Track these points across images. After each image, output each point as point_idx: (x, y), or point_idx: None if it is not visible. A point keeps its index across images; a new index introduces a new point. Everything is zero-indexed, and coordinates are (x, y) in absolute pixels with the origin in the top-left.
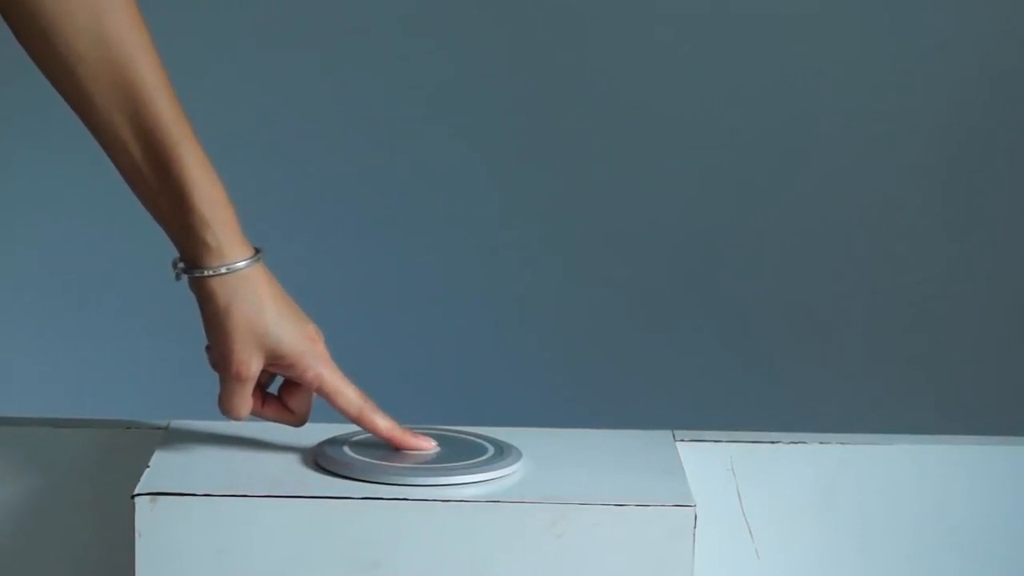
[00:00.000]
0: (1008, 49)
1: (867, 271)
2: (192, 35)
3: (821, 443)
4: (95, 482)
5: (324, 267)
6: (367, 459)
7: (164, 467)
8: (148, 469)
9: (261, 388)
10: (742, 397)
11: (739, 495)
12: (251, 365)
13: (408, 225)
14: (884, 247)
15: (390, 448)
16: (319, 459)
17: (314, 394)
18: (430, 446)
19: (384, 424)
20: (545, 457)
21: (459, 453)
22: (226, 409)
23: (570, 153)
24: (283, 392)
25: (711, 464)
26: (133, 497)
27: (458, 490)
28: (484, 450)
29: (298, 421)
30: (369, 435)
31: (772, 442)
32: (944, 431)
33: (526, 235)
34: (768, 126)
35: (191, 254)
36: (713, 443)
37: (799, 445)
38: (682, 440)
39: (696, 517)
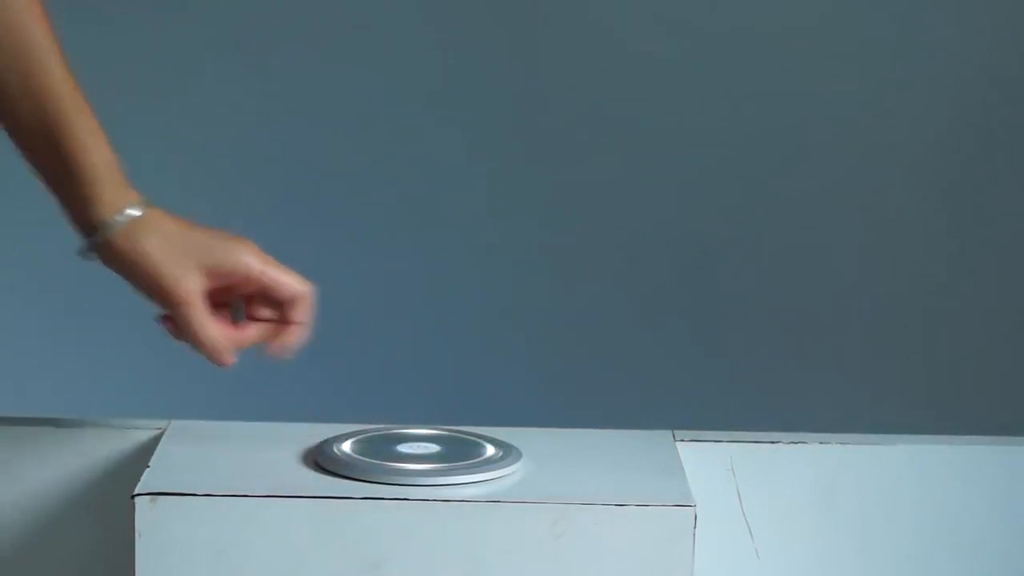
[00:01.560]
0: (1010, 50)
1: (867, 272)
2: (183, 32)
3: (821, 443)
4: (95, 482)
5: (324, 266)
6: (367, 459)
7: (164, 467)
8: (148, 469)
9: (233, 320)
10: (742, 397)
11: (739, 495)
12: (187, 282)
13: (408, 226)
14: (884, 248)
15: (390, 448)
16: (319, 459)
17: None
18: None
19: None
20: (545, 457)
21: (459, 453)
22: (197, 343)
23: (571, 153)
24: (249, 309)
25: (711, 464)
26: (133, 497)
27: (458, 490)
28: (484, 450)
29: (285, 331)
30: (369, 435)
31: (772, 442)
32: (944, 431)
33: (526, 235)
34: (768, 127)
35: (88, 217)
36: (713, 443)
37: (799, 445)
38: (682, 440)
39: (696, 517)
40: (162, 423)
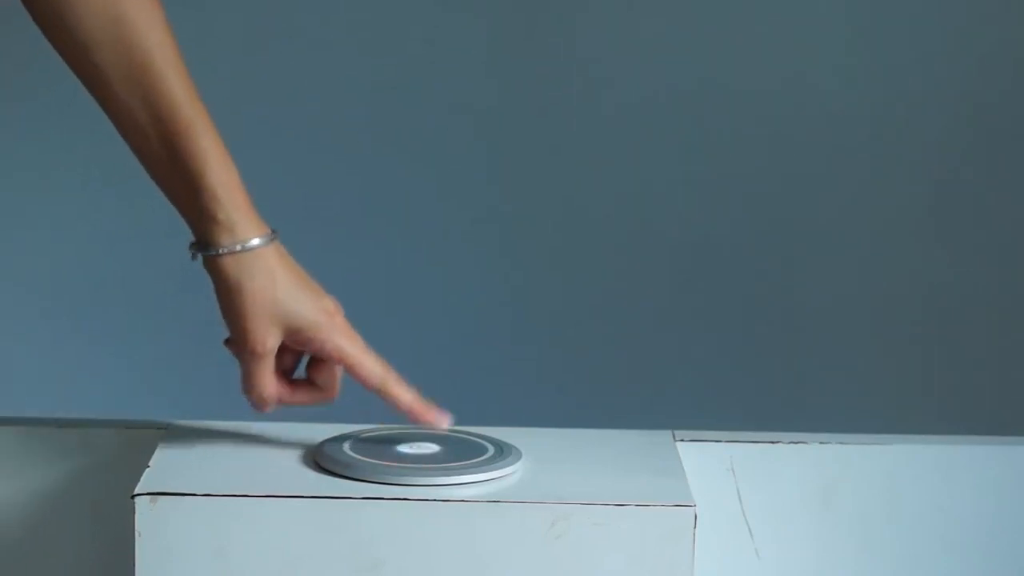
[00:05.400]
0: (1010, 48)
1: (867, 271)
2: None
3: (821, 443)
4: (95, 482)
5: (325, 268)
6: (367, 459)
7: (164, 467)
8: (148, 469)
9: (287, 374)
10: (742, 397)
11: (739, 495)
12: (267, 340)
13: (406, 225)
14: (885, 247)
15: (390, 448)
16: (319, 459)
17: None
18: (446, 423)
19: (406, 396)
20: (545, 457)
21: (459, 453)
22: (249, 391)
23: (570, 151)
24: (309, 370)
25: (711, 464)
26: (133, 497)
27: (458, 490)
28: (484, 450)
29: (328, 398)
30: (370, 434)
31: (772, 442)
32: (944, 431)
33: (525, 234)
34: (770, 125)
35: (204, 233)
36: (713, 443)
37: (799, 445)
38: (682, 440)
39: (696, 517)
40: (162, 423)
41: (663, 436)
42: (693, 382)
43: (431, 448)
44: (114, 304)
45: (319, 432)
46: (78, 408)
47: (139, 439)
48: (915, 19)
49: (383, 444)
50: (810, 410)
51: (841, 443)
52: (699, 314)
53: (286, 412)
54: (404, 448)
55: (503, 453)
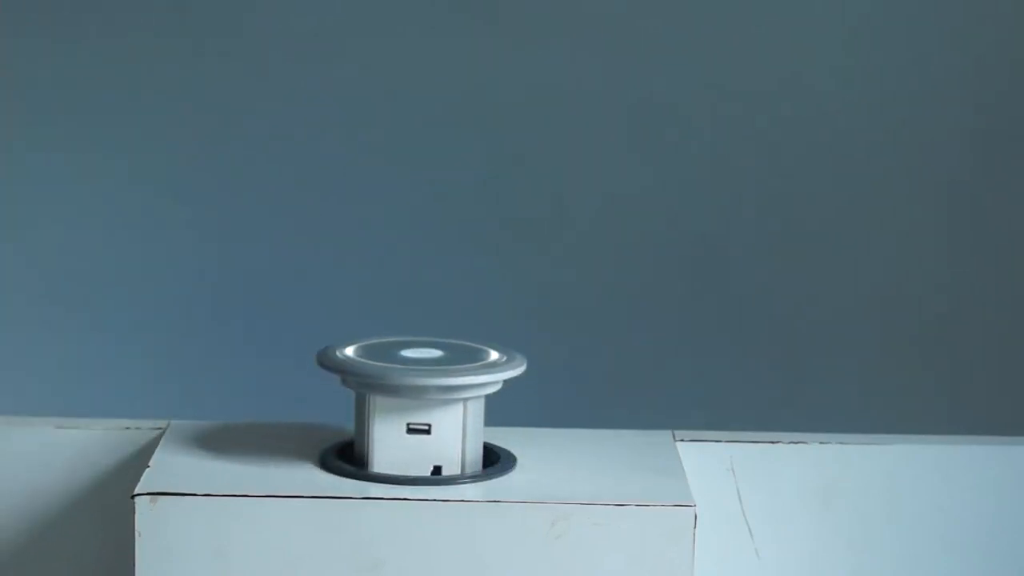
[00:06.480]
0: (1010, 48)
1: (867, 271)
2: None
3: (821, 443)
4: (95, 482)
5: (327, 272)
6: (370, 361)
7: (164, 467)
8: (148, 469)
9: None
10: (742, 397)
11: (739, 495)
12: None
13: (405, 224)
14: (884, 247)
15: (393, 352)
16: (323, 362)
17: None
18: None
19: None
20: (545, 457)
21: (463, 357)
22: None
23: (563, 152)
24: None
25: (711, 464)
26: (133, 497)
27: (458, 490)
28: (487, 354)
29: None
30: (372, 342)
31: (772, 442)
32: (944, 431)
33: (524, 233)
34: (767, 126)
35: None
36: (713, 443)
37: (799, 445)
38: (682, 440)
39: (696, 517)
40: (162, 423)
41: (663, 436)
42: (693, 382)
43: (434, 353)
44: (113, 303)
45: (320, 432)
46: (78, 407)
47: (139, 439)
48: (913, 20)
49: (386, 349)
50: (810, 410)
51: (841, 443)
52: (699, 314)
53: (287, 412)
54: (407, 352)
55: (507, 358)
